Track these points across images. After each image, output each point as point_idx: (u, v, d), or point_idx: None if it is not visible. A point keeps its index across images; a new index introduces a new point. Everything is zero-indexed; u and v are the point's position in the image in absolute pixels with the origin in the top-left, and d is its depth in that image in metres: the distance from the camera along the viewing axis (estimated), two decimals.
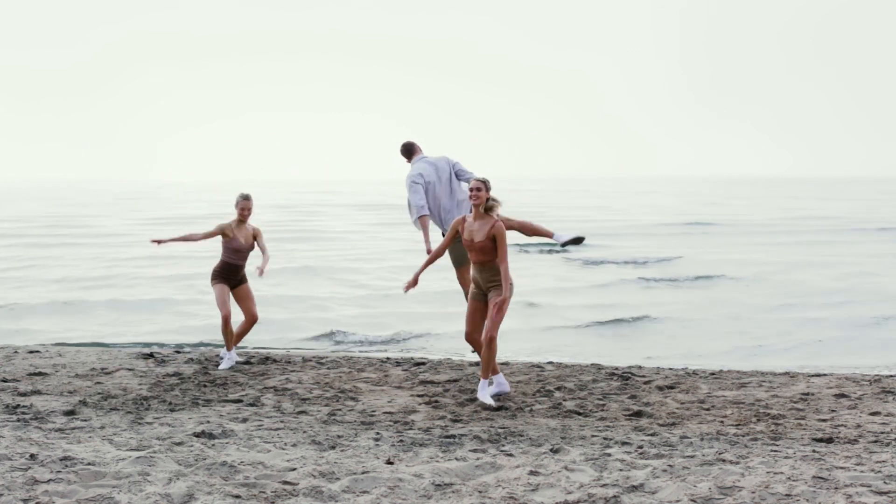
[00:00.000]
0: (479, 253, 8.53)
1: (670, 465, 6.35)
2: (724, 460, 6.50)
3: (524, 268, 25.01)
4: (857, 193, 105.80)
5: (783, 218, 52.35)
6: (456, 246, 9.85)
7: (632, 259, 27.85)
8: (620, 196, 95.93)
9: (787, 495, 5.69)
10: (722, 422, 7.96)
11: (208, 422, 7.75)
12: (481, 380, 8.73)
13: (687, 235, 39.15)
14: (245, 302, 10.73)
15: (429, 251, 9.44)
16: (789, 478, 6.04)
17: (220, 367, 10.45)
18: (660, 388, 9.41)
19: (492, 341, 8.54)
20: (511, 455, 6.67)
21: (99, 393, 8.93)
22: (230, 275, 10.63)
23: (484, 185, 8.48)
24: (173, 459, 6.40)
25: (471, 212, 8.81)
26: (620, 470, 6.28)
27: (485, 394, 8.68)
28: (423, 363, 10.91)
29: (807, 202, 78.21)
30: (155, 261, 26.80)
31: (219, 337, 13.40)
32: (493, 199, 8.51)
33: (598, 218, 52.30)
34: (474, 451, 6.80)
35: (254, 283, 11.37)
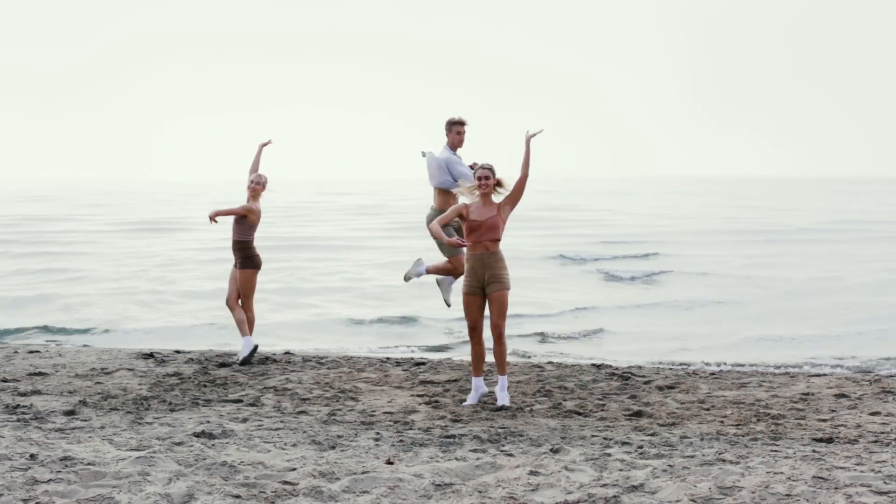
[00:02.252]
0: (487, 231, 8.36)
1: (670, 465, 6.35)
2: (724, 460, 6.50)
3: (572, 287, 21.66)
4: (871, 194, 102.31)
5: (830, 221, 47.50)
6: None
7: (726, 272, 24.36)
8: (650, 198, 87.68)
9: (787, 495, 5.69)
10: (722, 422, 7.96)
11: (208, 422, 7.74)
12: (500, 377, 8.59)
13: (770, 243, 33.66)
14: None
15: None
16: (789, 478, 6.04)
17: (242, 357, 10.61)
18: (660, 388, 9.41)
19: (501, 336, 8.46)
20: (511, 455, 6.67)
21: (99, 393, 8.93)
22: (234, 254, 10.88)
23: (492, 171, 8.54)
24: (173, 459, 6.40)
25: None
26: (620, 470, 6.28)
27: (504, 394, 8.60)
28: (423, 363, 10.91)
29: (835, 203, 72.71)
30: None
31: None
32: (499, 181, 8.53)
33: (650, 223, 46.91)
34: (474, 451, 6.80)
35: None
